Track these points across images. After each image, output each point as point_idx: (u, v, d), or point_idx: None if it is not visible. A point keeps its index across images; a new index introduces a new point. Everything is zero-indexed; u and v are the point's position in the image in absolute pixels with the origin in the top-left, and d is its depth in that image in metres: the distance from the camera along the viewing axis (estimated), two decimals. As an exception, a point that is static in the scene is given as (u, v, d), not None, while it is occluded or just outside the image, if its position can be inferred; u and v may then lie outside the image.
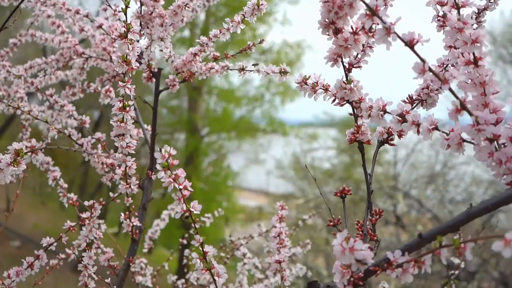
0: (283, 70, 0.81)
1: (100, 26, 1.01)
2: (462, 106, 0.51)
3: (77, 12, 1.07)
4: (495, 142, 0.50)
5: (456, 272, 1.06)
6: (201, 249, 0.63)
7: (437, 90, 0.65)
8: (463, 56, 0.54)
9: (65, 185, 1.08)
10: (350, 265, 0.54)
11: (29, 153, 0.68)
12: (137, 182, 0.90)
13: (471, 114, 0.50)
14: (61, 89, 1.33)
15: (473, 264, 6.04)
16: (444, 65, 0.66)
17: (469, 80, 0.54)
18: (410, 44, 0.50)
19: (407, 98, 0.67)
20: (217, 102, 12.22)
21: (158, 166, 0.60)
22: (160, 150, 0.60)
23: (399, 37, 0.49)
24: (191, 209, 0.62)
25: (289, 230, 0.93)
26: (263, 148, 12.39)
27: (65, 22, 1.19)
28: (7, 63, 1.12)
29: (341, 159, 10.63)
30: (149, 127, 1.08)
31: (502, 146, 0.51)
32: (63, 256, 1.10)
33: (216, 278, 0.63)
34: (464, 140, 0.53)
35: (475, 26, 0.70)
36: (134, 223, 0.95)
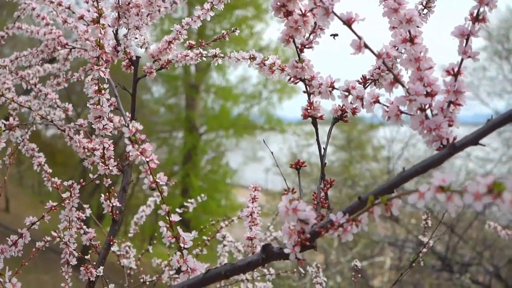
0: (252, 56, 0.86)
1: (81, 17, 1.05)
2: (395, 79, 0.56)
3: (60, 4, 1.12)
4: (426, 112, 0.55)
5: (424, 250, 1.11)
6: (167, 218, 0.68)
7: (388, 70, 0.70)
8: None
9: (50, 170, 1.12)
10: (303, 230, 0.59)
11: (7, 131, 0.73)
12: (116, 164, 0.95)
13: (403, 86, 0.55)
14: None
15: (466, 257, 6.11)
16: (396, 47, 0.71)
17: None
18: (348, 23, 0.54)
19: (360, 78, 0.72)
20: (215, 100, 12.26)
21: (126, 140, 0.65)
22: (128, 126, 0.64)
23: (337, 16, 0.54)
24: (157, 180, 0.67)
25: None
26: (261, 145, 12.44)
27: (49, 15, 1.24)
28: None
29: (338, 155, 10.68)
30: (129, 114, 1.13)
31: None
32: (48, 238, 1.15)
33: (182, 245, 0.68)
34: (401, 112, 0.58)
35: (425, 11, 0.75)
36: (114, 204, 1.00)
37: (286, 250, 0.58)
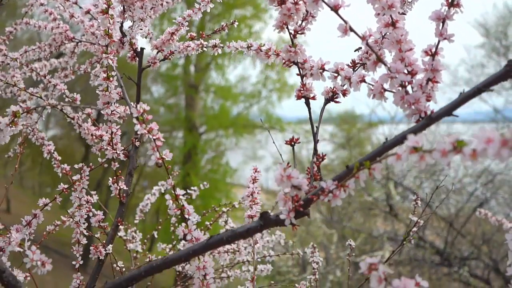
0: (249, 45, 0.92)
1: (88, 12, 1.11)
2: (378, 59, 0.62)
3: (67, -1, 1.18)
4: (406, 88, 0.61)
5: (415, 229, 1.16)
6: (173, 192, 0.74)
7: (372, 51, 0.76)
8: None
9: (59, 157, 1.18)
10: (297, 197, 0.65)
11: (25, 114, 0.79)
12: (123, 148, 1.01)
13: (385, 65, 0.61)
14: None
15: (465, 251, 6.17)
16: (383, 33, 0.77)
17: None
18: (335, 8, 0.60)
19: (350, 62, 0.78)
20: (214, 99, 12.32)
21: (134, 120, 0.71)
22: (136, 107, 0.70)
23: (325, 3, 0.60)
24: (164, 156, 0.73)
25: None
26: (261, 144, 12.49)
27: (56, 10, 1.30)
28: (3, 47, 1.22)
29: (338, 153, 10.75)
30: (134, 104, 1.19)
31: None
32: (58, 222, 1.21)
33: (186, 216, 0.74)
34: (385, 89, 0.64)
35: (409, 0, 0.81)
36: (121, 187, 1.06)
37: (281, 216, 0.64)
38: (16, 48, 1.42)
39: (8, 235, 0.73)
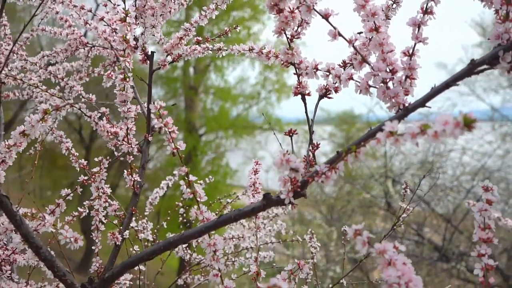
0: (251, 48, 1.02)
1: (102, 19, 1.22)
2: (363, 60, 0.72)
3: (82, 8, 1.28)
4: (388, 84, 0.71)
5: (405, 215, 1.26)
6: (186, 178, 0.84)
7: (357, 53, 0.86)
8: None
9: (76, 153, 1.29)
10: (295, 179, 0.75)
11: (54, 111, 0.89)
12: (137, 143, 1.11)
13: (369, 65, 0.71)
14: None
15: (462, 247, 6.27)
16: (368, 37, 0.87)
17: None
18: (325, 17, 0.71)
19: (341, 62, 0.88)
20: (214, 101, 12.42)
21: (152, 115, 0.81)
22: (154, 103, 0.81)
23: (317, 12, 0.71)
24: (178, 147, 0.83)
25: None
26: (260, 145, 12.59)
27: (70, 17, 1.40)
28: (23, 52, 1.33)
29: (338, 153, 10.80)
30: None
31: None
32: (76, 214, 1.31)
33: (198, 199, 0.84)
34: (369, 86, 0.75)
35: (394, 5, 0.91)
36: (136, 179, 1.16)
37: (282, 196, 0.74)
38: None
39: (42, 218, 0.83)
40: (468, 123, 0.48)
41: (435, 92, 0.67)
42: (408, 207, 1.27)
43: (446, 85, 0.66)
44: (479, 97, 8.85)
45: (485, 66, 0.65)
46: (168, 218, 1.64)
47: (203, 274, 1.53)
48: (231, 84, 12.45)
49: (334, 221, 6.82)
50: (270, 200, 0.77)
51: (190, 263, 1.44)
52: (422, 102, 0.67)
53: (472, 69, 0.65)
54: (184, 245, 1.58)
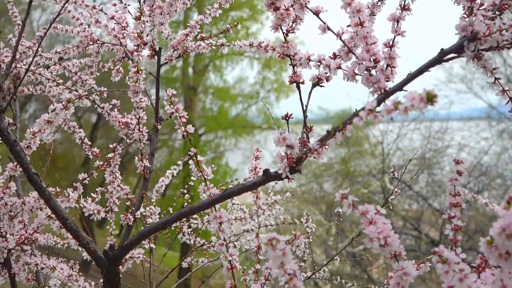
0: (251, 43, 1.13)
1: (112, 17, 1.32)
2: (349, 50, 0.82)
3: (94, 7, 1.39)
4: (371, 72, 0.82)
5: (393, 197, 1.37)
6: (195, 158, 0.95)
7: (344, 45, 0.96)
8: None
9: (89, 143, 1.39)
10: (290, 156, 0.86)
11: (77, 99, 1.00)
12: (147, 131, 1.21)
13: (354, 54, 0.82)
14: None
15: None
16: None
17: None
18: (316, 13, 0.81)
19: (332, 54, 0.99)
20: (213, 100, 12.53)
21: (165, 102, 0.91)
22: (166, 91, 0.91)
23: (309, 9, 0.81)
24: (187, 130, 0.93)
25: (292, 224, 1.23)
26: (260, 144, 12.68)
27: (81, 16, 1.50)
28: (39, 49, 1.43)
29: (337, 152, 10.95)
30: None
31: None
32: (90, 198, 1.41)
33: (205, 177, 0.95)
34: (355, 73, 0.85)
35: (379, 3, 1.01)
36: (146, 164, 1.26)
37: (279, 171, 0.85)
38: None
39: (66, 195, 0.94)
40: (430, 98, 0.58)
41: (411, 77, 0.77)
42: (396, 189, 1.37)
43: (420, 71, 0.77)
44: (476, 94, 8.97)
45: (453, 55, 0.76)
46: (174, 204, 1.74)
47: (207, 257, 1.64)
48: (230, 84, 12.55)
49: (333, 216, 6.93)
50: (269, 175, 0.87)
51: (194, 246, 1.55)
52: (399, 87, 0.78)
53: (442, 57, 0.75)
54: (189, 229, 1.69)
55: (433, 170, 7.04)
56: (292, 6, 0.86)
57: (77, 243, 0.89)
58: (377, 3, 1.00)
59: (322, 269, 1.55)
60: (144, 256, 1.40)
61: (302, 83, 0.95)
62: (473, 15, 0.74)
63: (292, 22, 0.90)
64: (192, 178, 1.01)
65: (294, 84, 1.00)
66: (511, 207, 0.55)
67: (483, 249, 0.58)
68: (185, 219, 1.82)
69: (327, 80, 0.96)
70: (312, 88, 0.98)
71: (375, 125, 9.92)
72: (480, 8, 0.77)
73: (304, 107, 0.96)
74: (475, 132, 8.47)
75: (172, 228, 1.72)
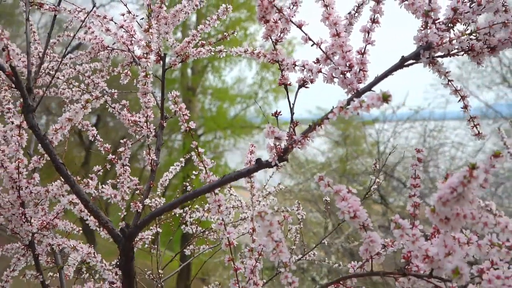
0: (246, 50, 1.28)
1: (121, 26, 1.47)
2: (327, 57, 0.98)
3: (105, 17, 1.54)
4: (346, 75, 0.97)
5: (375, 186, 1.51)
6: (196, 150, 1.10)
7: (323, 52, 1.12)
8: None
9: (101, 139, 1.54)
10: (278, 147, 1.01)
11: (94, 100, 1.15)
12: (154, 127, 1.36)
13: (331, 61, 0.97)
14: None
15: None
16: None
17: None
18: (299, 26, 0.97)
19: (316, 59, 1.14)
20: (212, 101, 12.67)
21: (169, 101, 1.06)
22: (170, 93, 1.06)
23: (292, 22, 0.96)
24: (190, 126, 1.08)
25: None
26: (259, 144, 12.82)
27: (92, 24, 1.65)
28: (55, 54, 1.58)
29: (335, 151, 11.11)
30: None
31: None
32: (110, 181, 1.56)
33: (206, 166, 1.10)
34: (333, 76, 1.00)
35: (356, 14, 1.17)
36: (153, 157, 1.41)
37: (269, 160, 1.00)
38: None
39: (85, 182, 1.09)
40: (385, 98, 0.74)
41: (377, 80, 0.93)
42: (378, 179, 1.52)
43: (385, 75, 0.92)
44: (472, 94, 9.13)
45: (412, 61, 0.91)
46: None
47: (207, 243, 1.79)
48: (229, 84, 12.69)
49: (330, 213, 7.09)
50: (261, 163, 1.02)
51: (195, 234, 1.70)
52: (368, 88, 0.93)
53: (402, 62, 0.91)
54: (191, 219, 1.84)
55: (428, 168, 7.20)
56: (279, 19, 1.02)
57: (97, 223, 1.04)
58: (354, 15, 1.15)
59: (312, 253, 1.70)
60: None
61: (290, 84, 1.10)
62: (428, 28, 0.90)
63: (281, 33, 1.06)
64: (194, 173, 1.16)
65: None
66: (447, 182, 0.70)
67: (428, 216, 0.73)
68: (188, 214, 1.97)
69: (312, 82, 1.12)
70: (298, 89, 1.13)
71: (372, 125, 10.07)
72: (436, 21, 0.92)
73: (291, 106, 1.11)
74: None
75: (176, 214, 1.87)
